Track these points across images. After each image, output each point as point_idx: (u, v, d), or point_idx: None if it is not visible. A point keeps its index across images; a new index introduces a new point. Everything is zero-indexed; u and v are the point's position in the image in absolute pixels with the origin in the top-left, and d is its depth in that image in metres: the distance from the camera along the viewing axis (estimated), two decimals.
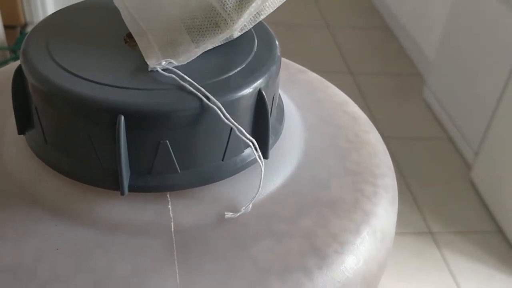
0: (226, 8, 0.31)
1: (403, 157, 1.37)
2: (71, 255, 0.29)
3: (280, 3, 0.33)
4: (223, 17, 0.31)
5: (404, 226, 1.20)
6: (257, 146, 0.31)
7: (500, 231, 1.23)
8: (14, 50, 1.19)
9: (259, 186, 0.31)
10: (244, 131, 0.30)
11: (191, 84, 0.29)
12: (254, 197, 0.31)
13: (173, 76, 0.30)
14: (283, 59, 0.40)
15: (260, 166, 0.31)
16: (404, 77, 1.74)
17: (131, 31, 0.33)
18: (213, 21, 0.31)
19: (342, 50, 1.83)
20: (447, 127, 1.50)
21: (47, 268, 0.29)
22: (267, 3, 0.32)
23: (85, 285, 0.28)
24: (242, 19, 0.31)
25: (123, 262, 0.29)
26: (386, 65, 1.78)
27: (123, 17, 0.34)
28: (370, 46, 1.89)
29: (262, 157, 0.31)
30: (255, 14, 0.32)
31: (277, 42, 0.35)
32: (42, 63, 0.31)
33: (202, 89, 0.29)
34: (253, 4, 0.31)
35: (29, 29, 1.22)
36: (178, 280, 0.28)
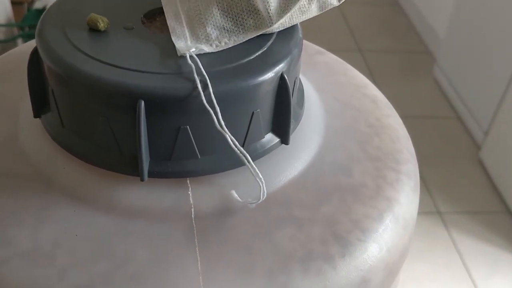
0: (269, 10, 0.31)
1: (412, 136, 1.35)
2: (90, 241, 0.29)
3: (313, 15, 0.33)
4: (264, 17, 0.31)
5: None
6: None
7: (508, 211, 1.23)
8: (21, 26, 1.17)
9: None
10: (223, 124, 0.29)
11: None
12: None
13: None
14: None
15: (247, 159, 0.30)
16: (414, 54, 1.72)
17: (165, 10, 0.32)
18: (253, 20, 0.31)
19: (351, 26, 1.81)
20: (457, 106, 1.48)
21: (66, 253, 0.28)
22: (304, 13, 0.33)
23: (104, 272, 0.28)
24: (281, 21, 0.31)
25: (143, 248, 0.29)
26: (396, 42, 1.76)
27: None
28: (380, 23, 1.87)
29: (241, 148, 0.30)
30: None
31: (298, 24, 0.34)
32: (59, 45, 0.30)
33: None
34: (292, 9, 0.31)
35: (36, 5, 1.21)
36: (199, 267, 0.28)
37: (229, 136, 0.29)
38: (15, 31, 1.19)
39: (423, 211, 1.22)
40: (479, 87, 1.38)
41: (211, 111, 0.28)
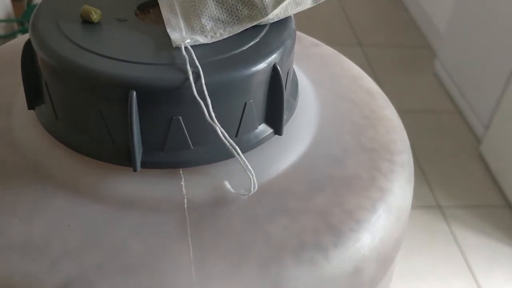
0: (264, 1, 0.31)
1: (412, 130, 1.35)
2: (83, 232, 0.29)
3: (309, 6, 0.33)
4: (259, 8, 0.31)
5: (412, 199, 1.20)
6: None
7: (509, 205, 1.23)
8: (21, 22, 1.17)
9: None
10: (215, 118, 0.29)
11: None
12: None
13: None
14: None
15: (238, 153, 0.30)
16: (414, 49, 1.71)
17: (159, 1, 0.32)
18: (248, 10, 0.31)
19: (351, 21, 1.81)
20: (457, 100, 1.48)
21: (59, 244, 0.28)
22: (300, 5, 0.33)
23: (97, 262, 0.28)
24: (276, 12, 0.31)
25: (136, 239, 0.29)
26: (396, 37, 1.76)
27: None
28: (380, 17, 1.86)
29: (231, 140, 0.29)
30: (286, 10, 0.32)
31: (292, 15, 0.34)
32: (52, 37, 0.30)
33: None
34: (287, 0, 0.31)
35: (36, 1, 1.21)
36: (191, 257, 0.28)
37: (219, 128, 0.29)
38: (15, 26, 1.19)
39: (423, 205, 1.22)
40: (480, 82, 1.38)
41: (202, 103, 0.28)
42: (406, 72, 1.60)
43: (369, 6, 1.92)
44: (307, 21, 1.75)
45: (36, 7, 0.33)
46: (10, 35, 1.14)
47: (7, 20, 1.13)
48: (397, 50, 1.70)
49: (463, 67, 1.46)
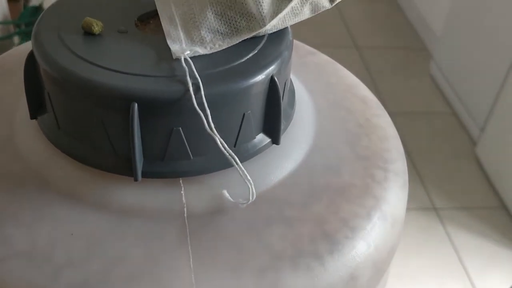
0: (262, 13, 0.31)
1: (408, 132, 1.37)
2: (85, 240, 0.30)
3: (307, 17, 0.34)
4: (257, 19, 0.32)
5: (408, 201, 1.20)
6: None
7: (504, 207, 1.24)
8: (18, 24, 1.18)
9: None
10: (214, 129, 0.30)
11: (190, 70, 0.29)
12: None
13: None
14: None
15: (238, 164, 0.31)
16: (411, 51, 1.72)
17: (160, 14, 0.33)
18: (246, 22, 0.32)
19: (348, 23, 1.82)
20: (453, 103, 1.49)
21: (62, 252, 0.29)
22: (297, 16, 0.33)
23: (99, 270, 0.28)
24: (274, 23, 0.32)
25: (137, 247, 0.29)
26: (393, 39, 1.76)
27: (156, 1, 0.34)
28: (377, 19, 1.87)
29: (230, 150, 0.30)
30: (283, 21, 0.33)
31: (289, 26, 0.34)
32: (54, 49, 0.30)
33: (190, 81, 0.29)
34: (284, 11, 0.32)
35: (32, 3, 1.21)
36: (191, 265, 0.29)
37: (218, 139, 0.29)
38: (12, 28, 1.19)
39: (419, 207, 1.23)
40: (475, 84, 1.39)
41: (202, 114, 0.29)
42: (402, 75, 1.61)
43: (366, 8, 1.92)
44: (304, 23, 1.76)
45: (39, 18, 0.33)
46: (7, 37, 1.13)
47: (4, 22, 1.13)
48: (393, 52, 1.71)
49: (459, 69, 1.47)
